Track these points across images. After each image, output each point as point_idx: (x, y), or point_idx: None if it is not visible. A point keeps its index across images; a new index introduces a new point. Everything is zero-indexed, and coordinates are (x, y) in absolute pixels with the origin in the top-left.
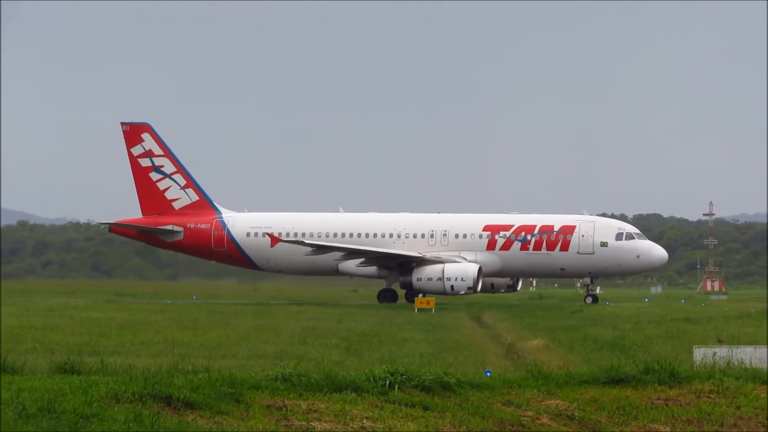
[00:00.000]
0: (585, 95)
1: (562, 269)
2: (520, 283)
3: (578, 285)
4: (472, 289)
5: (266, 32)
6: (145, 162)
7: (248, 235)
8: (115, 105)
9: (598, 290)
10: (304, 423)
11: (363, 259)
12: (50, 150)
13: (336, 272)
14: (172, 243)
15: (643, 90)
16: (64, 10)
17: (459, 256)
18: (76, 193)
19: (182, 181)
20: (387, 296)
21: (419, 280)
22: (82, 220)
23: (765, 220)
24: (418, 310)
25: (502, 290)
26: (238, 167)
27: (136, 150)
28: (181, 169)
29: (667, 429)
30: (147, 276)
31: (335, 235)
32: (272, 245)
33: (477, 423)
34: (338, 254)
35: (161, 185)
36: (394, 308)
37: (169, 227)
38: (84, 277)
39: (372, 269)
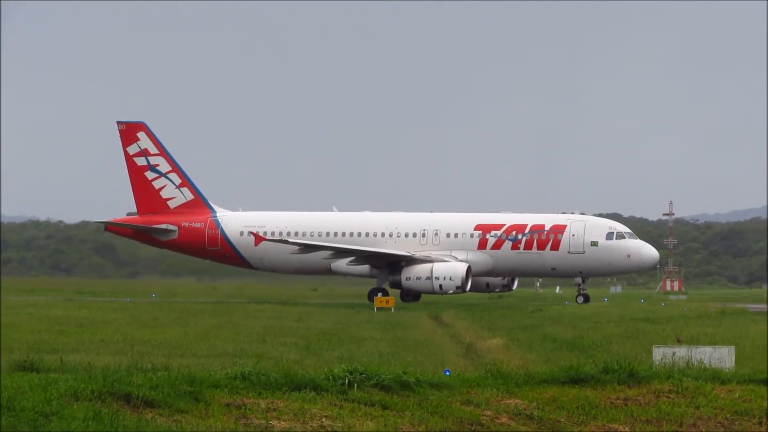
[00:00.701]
0: (548, 95)
1: (553, 269)
2: (515, 283)
3: (537, 285)
4: (461, 288)
5: (261, 32)
6: (140, 161)
7: (241, 234)
8: (111, 104)
9: (557, 289)
10: (263, 422)
11: (352, 258)
12: (46, 150)
13: (330, 271)
14: (167, 242)
15: (605, 90)
16: (60, 10)
17: (450, 255)
18: (72, 192)
19: (177, 180)
20: (377, 295)
21: (408, 279)
22: (42, 218)
23: (724, 221)
24: (378, 309)
25: (498, 290)
26: (235, 166)
27: (132, 149)
28: (176, 168)
29: (627, 429)
30: (106, 274)
31: (328, 234)
32: (256, 244)
33: (436, 422)
34: (327, 253)
35: (157, 184)
36: (354, 307)
37: (164, 226)
38: (44, 275)
39: (364, 268)
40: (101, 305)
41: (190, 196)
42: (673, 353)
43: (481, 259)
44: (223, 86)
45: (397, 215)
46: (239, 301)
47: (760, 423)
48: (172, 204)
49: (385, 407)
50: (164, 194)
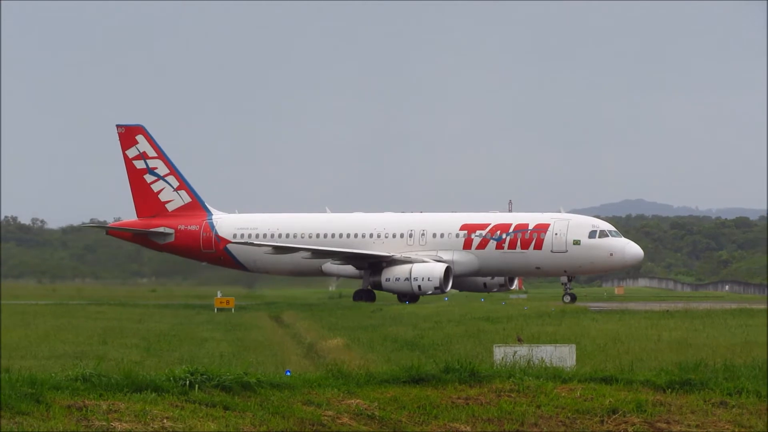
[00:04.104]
0: (383, 97)
1: (538, 268)
2: (514, 283)
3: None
4: (440, 289)
5: (259, 36)
6: (139, 164)
7: (235, 236)
8: (110, 107)
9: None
10: (104, 423)
11: (335, 259)
12: (48, 151)
13: (322, 273)
14: (164, 245)
15: (439, 90)
16: (60, 12)
17: (437, 255)
18: (80, 195)
19: (175, 183)
20: (363, 296)
21: (388, 280)
22: None
23: None
24: (218, 309)
25: (495, 289)
26: (235, 169)
27: (131, 152)
28: (174, 170)
29: (468, 428)
30: None
31: (318, 235)
32: (221, 247)
33: (277, 423)
34: (308, 254)
35: (155, 187)
36: (194, 308)
37: (161, 229)
38: None
39: (351, 269)
40: None
41: (187, 199)
42: (514, 352)
43: (467, 259)
44: (221, 90)
45: (387, 216)
46: (79, 303)
47: (602, 421)
48: (170, 207)
49: (226, 408)
50: (162, 197)
